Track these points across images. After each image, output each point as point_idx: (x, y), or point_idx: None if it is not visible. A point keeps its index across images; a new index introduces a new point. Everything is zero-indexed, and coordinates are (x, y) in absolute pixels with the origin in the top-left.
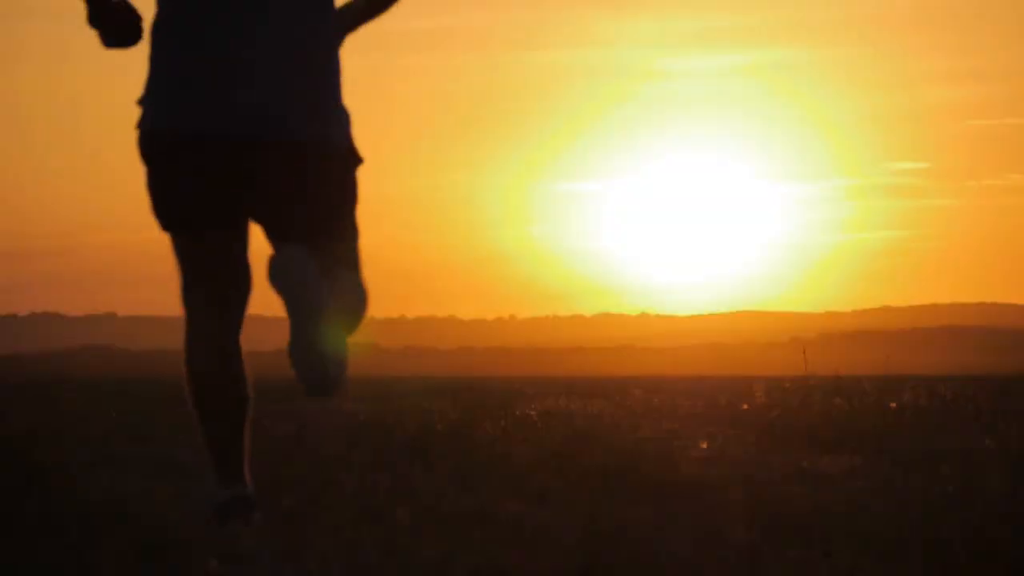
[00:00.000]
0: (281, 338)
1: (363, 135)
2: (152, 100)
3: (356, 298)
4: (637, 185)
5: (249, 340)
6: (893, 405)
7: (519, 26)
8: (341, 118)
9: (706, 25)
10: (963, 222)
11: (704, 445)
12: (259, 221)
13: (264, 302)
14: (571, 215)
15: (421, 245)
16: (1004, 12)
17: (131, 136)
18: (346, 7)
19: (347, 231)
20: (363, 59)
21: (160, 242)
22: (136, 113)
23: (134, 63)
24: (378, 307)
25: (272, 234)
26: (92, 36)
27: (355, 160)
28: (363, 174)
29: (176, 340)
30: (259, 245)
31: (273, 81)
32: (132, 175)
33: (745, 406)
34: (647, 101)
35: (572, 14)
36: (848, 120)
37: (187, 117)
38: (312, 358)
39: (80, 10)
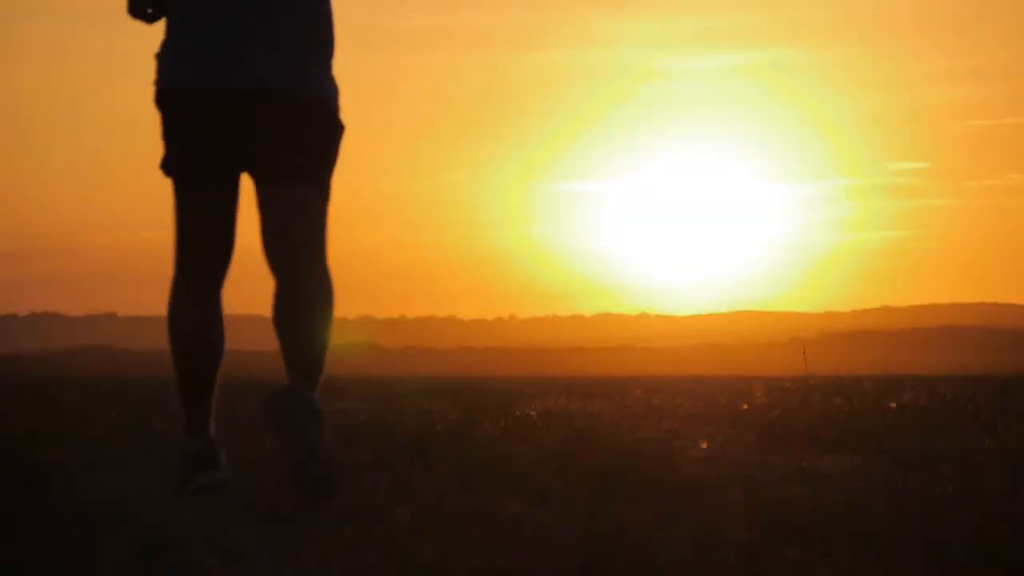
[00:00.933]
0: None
1: (363, 135)
2: (166, 58)
3: (328, 303)
4: (637, 185)
5: (249, 340)
6: (893, 405)
7: (519, 26)
8: (333, 84)
9: (706, 25)
10: (963, 222)
11: (704, 445)
12: (254, 166)
13: (264, 302)
14: (571, 215)
15: (421, 245)
16: (1004, 12)
17: (131, 137)
18: None
19: (326, 185)
20: (363, 59)
21: (160, 242)
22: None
23: (134, 63)
24: (378, 307)
25: (264, 176)
26: (92, 36)
27: (340, 126)
28: (363, 174)
29: None
30: (249, 243)
31: (275, 41)
32: (132, 175)
33: (745, 406)
34: (647, 101)
35: (572, 14)
36: (848, 120)
37: (196, 73)
38: (311, 473)
39: (79, 10)
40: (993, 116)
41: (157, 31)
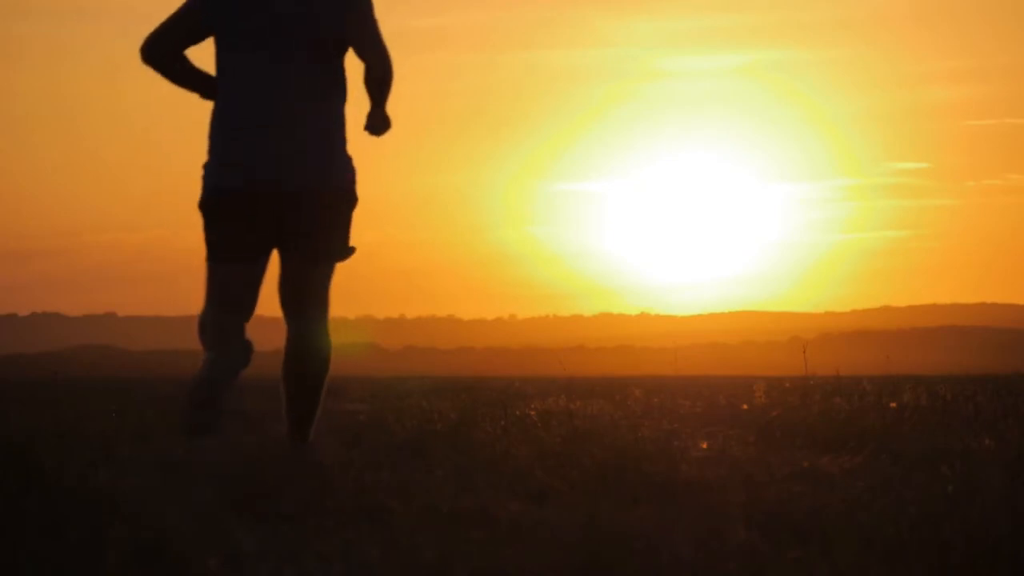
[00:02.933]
0: (280, 338)
1: (364, 135)
2: (210, 167)
3: (324, 361)
4: (637, 185)
5: (252, 340)
6: (893, 405)
7: (519, 26)
8: (350, 172)
9: (706, 25)
10: (963, 222)
11: (704, 445)
12: (279, 245)
13: (266, 303)
14: (571, 215)
15: (421, 245)
16: (1004, 12)
17: (131, 137)
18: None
19: (334, 256)
20: None
21: (160, 242)
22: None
23: (134, 63)
24: (378, 307)
25: (288, 254)
26: (92, 36)
27: (353, 201)
28: (364, 173)
29: (175, 340)
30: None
31: (297, 148)
32: (132, 175)
33: (745, 406)
34: (647, 101)
35: (573, 14)
36: (848, 120)
37: (237, 177)
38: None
39: (79, 10)
40: (993, 116)
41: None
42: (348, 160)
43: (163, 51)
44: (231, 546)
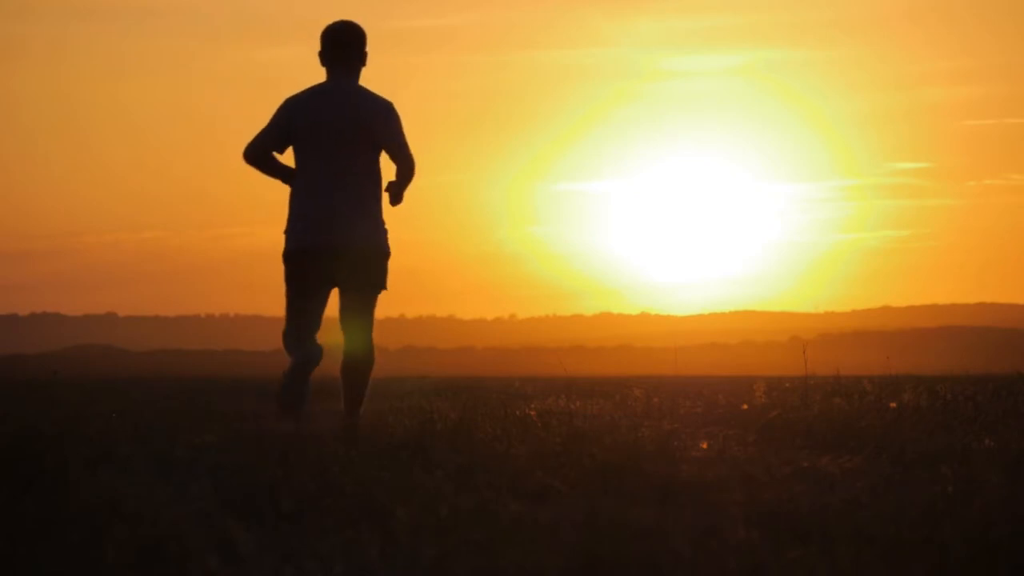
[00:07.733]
0: (280, 338)
1: None
2: (289, 232)
3: (369, 364)
4: (638, 185)
5: (252, 340)
6: (893, 405)
7: (521, 26)
8: (383, 233)
9: (706, 25)
10: (963, 222)
11: (704, 445)
12: (339, 284)
13: (266, 303)
14: (572, 215)
15: (421, 245)
16: (1004, 12)
17: (131, 137)
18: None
19: (378, 291)
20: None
21: (160, 242)
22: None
23: (134, 63)
24: (379, 307)
25: (345, 289)
26: (92, 36)
27: (388, 254)
28: None
29: (175, 340)
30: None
31: (348, 218)
32: (132, 175)
33: (745, 406)
34: (648, 101)
35: (574, 14)
36: (848, 120)
37: (306, 240)
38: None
39: (80, 10)
40: (993, 116)
41: (158, 30)
42: (382, 224)
43: (261, 153)
44: (231, 546)
